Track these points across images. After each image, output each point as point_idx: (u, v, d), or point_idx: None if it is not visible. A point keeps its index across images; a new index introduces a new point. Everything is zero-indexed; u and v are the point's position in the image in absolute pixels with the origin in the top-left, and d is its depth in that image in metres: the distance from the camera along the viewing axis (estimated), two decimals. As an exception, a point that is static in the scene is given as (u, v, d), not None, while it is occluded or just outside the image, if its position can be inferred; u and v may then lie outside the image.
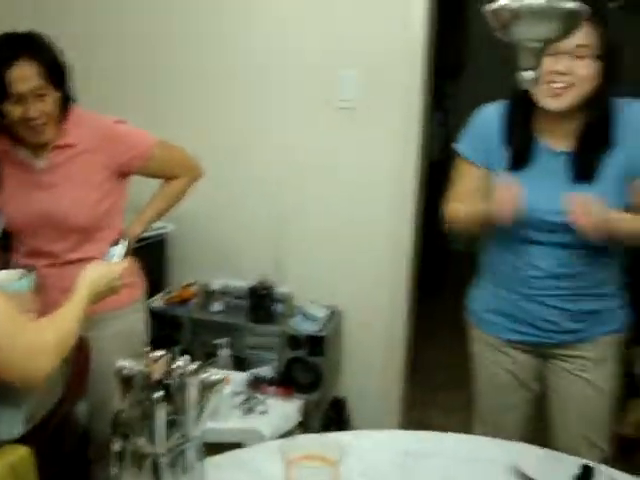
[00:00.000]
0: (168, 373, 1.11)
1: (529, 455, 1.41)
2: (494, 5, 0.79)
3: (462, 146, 1.82)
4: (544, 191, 1.64)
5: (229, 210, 2.87)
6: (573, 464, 1.36)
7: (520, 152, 1.69)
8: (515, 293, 1.78)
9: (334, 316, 2.75)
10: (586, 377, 1.79)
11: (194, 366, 1.12)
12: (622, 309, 1.80)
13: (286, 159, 2.75)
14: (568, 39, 1.37)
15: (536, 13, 0.77)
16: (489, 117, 1.77)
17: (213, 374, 1.15)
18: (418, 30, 2.52)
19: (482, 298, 1.90)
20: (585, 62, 1.54)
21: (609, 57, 1.57)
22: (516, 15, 0.78)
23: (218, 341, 2.64)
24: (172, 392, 1.08)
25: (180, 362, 1.12)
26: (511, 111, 1.72)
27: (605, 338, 1.78)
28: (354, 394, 2.85)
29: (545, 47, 0.79)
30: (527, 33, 0.79)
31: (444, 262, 4.81)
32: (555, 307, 1.74)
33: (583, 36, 1.51)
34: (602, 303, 1.76)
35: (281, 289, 2.73)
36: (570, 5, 0.76)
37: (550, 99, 1.59)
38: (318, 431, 2.52)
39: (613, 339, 1.79)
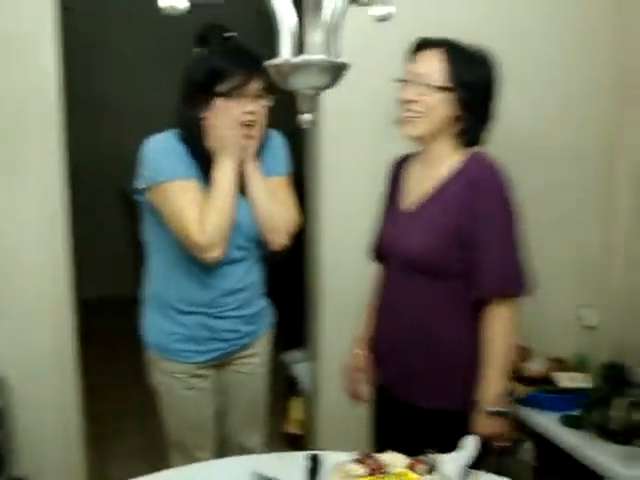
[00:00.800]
0: None
1: (263, 460, 1.59)
2: (277, 60, 0.96)
3: (166, 172, 1.87)
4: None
5: None
6: (301, 457, 1.56)
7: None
8: (199, 315, 1.97)
9: (1, 387, 2.52)
10: (258, 372, 2.14)
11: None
12: (270, 306, 2.18)
13: None
14: (253, 85, 1.83)
15: (312, 66, 0.95)
16: (170, 144, 1.91)
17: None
18: (50, 80, 2.44)
19: (163, 329, 2.01)
20: (263, 101, 1.90)
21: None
22: (295, 68, 0.95)
23: None
24: None
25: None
26: (190, 143, 1.91)
27: (267, 333, 2.16)
28: (33, 468, 2.58)
29: (317, 94, 0.99)
30: (305, 83, 0.97)
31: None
32: (236, 317, 2.01)
33: (262, 83, 1.86)
34: (261, 303, 2.12)
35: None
36: (339, 60, 0.97)
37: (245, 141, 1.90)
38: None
39: (270, 332, 2.19)
